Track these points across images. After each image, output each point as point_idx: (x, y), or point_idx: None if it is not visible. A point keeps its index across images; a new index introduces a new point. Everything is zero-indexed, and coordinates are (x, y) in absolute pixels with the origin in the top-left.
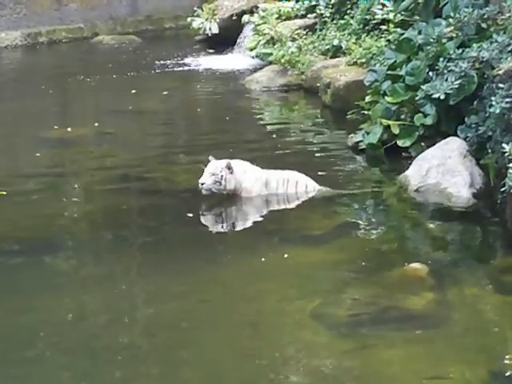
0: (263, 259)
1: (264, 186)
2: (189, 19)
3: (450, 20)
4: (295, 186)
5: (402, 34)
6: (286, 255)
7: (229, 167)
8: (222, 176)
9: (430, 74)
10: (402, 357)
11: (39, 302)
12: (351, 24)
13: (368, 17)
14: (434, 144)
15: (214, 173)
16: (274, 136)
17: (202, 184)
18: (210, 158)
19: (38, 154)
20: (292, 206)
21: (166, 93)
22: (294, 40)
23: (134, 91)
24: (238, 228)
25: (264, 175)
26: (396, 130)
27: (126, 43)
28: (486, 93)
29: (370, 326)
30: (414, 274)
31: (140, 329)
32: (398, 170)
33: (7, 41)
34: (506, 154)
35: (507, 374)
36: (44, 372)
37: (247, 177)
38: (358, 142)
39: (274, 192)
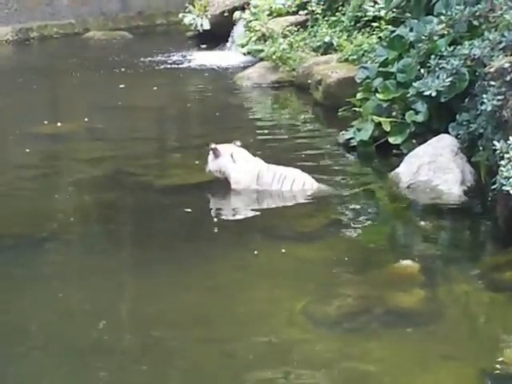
0: (256, 252)
1: (255, 180)
2: (180, 15)
3: (442, 17)
4: (291, 184)
5: (394, 31)
6: (283, 250)
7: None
8: (208, 158)
9: (422, 71)
10: (393, 355)
11: (28, 298)
12: (342, 21)
13: (359, 14)
14: (425, 141)
15: (210, 154)
16: (265, 132)
17: None
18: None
19: (27, 150)
20: (284, 203)
21: (156, 88)
22: (285, 37)
23: (124, 87)
24: (228, 224)
25: (257, 169)
26: (387, 127)
27: (116, 39)
28: (478, 90)
29: (361, 324)
30: (405, 271)
31: (129, 326)
32: (389, 167)
33: None
34: (497, 152)
35: (497, 371)
36: (29, 370)
37: (236, 166)
38: (349, 139)
39: (267, 188)
